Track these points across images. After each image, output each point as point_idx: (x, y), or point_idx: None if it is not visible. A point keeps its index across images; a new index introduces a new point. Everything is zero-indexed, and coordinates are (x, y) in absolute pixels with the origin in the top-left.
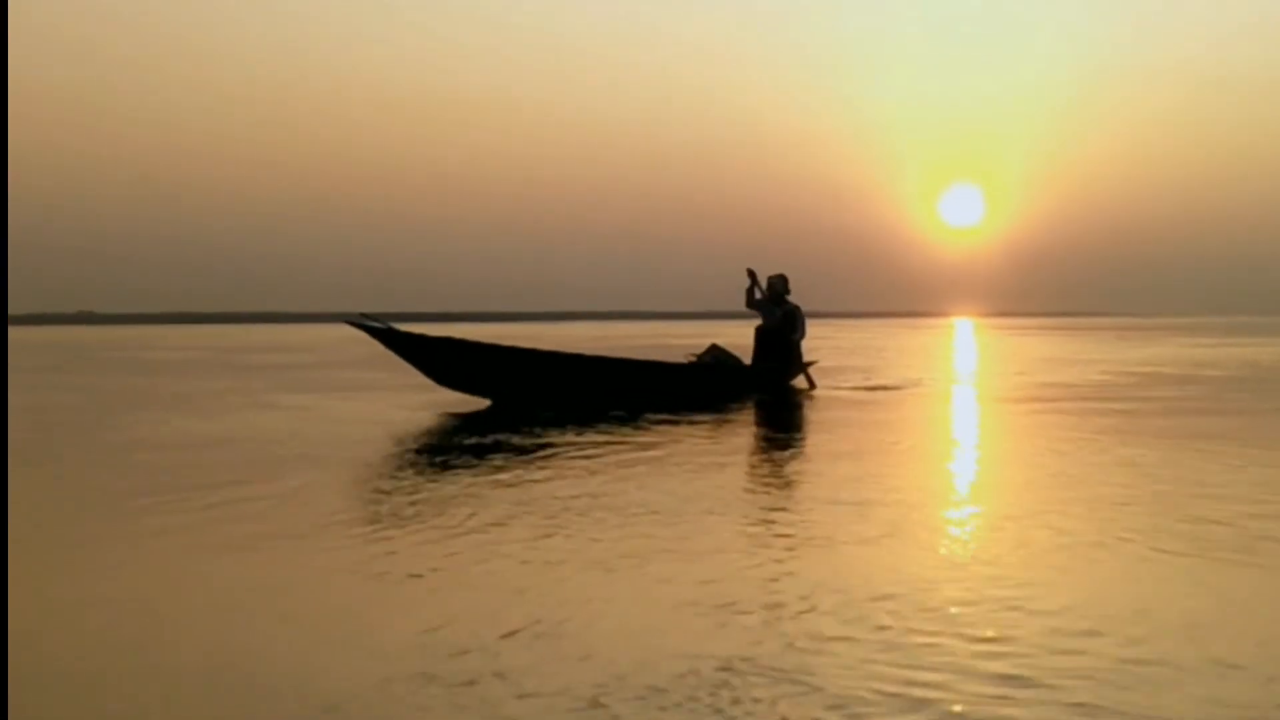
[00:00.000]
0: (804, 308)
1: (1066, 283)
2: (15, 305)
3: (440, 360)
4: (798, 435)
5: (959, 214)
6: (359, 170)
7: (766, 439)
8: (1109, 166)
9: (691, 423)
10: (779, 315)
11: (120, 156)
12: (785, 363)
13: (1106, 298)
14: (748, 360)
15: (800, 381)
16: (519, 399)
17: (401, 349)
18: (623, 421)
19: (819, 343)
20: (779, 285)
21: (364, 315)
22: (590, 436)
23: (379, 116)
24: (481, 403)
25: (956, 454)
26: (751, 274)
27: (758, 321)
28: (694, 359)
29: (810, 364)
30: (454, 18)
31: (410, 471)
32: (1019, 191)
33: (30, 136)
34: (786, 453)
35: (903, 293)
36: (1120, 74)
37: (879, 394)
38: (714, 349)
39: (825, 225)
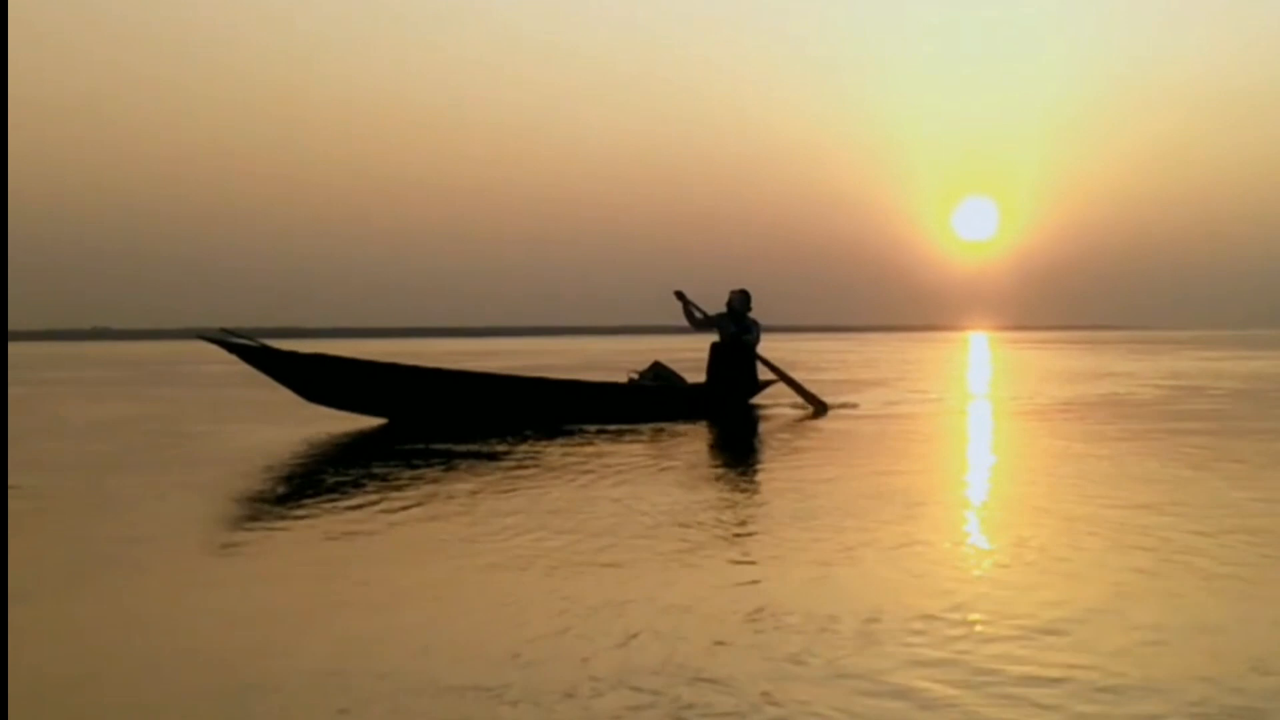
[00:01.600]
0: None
1: (1079, 296)
2: (30, 321)
3: (312, 377)
4: (749, 454)
5: (972, 228)
6: (377, 185)
7: (719, 458)
8: (1122, 180)
9: (643, 439)
10: (734, 331)
11: (132, 171)
12: (745, 381)
13: (1119, 311)
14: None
15: (799, 403)
16: (410, 418)
17: (270, 367)
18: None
19: (831, 357)
20: (738, 303)
21: (226, 331)
22: (542, 450)
23: (396, 132)
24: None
25: (976, 473)
26: (680, 295)
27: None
28: (636, 376)
29: (767, 383)
30: (462, 32)
31: (355, 484)
32: (1032, 205)
33: (42, 150)
34: (743, 471)
35: (916, 307)
36: (1133, 88)
37: (892, 410)
38: (656, 366)
39: (838, 239)
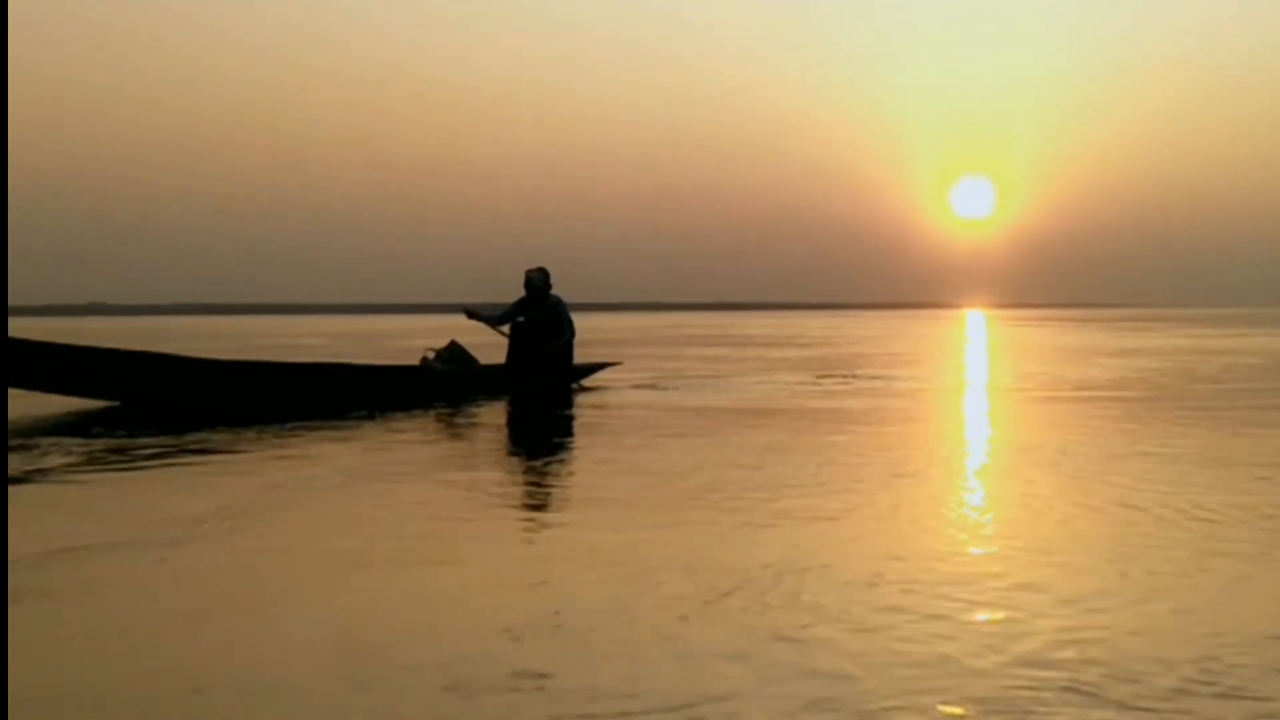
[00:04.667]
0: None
1: (1075, 274)
2: (28, 298)
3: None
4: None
5: (969, 206)
6: (373, 162)
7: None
8: (1117, 158)
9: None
10: (539, 315)
11: (131, 148)
12: (555, 364)
13: (1114, 289)
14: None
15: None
16: (136, 403)
17: None
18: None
19: (817, 333)
20: (539, 280)
21: None
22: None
23: (394, 107)
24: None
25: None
26: (471, 314)
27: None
28: (431, 355)
29: (608, 365)
30: (465, 6)
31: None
32: (1028, 183)
33: (42, 127)
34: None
35: (913, 284)
36: (1128, 65)
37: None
38: (452, 346)
39: (837, 216)
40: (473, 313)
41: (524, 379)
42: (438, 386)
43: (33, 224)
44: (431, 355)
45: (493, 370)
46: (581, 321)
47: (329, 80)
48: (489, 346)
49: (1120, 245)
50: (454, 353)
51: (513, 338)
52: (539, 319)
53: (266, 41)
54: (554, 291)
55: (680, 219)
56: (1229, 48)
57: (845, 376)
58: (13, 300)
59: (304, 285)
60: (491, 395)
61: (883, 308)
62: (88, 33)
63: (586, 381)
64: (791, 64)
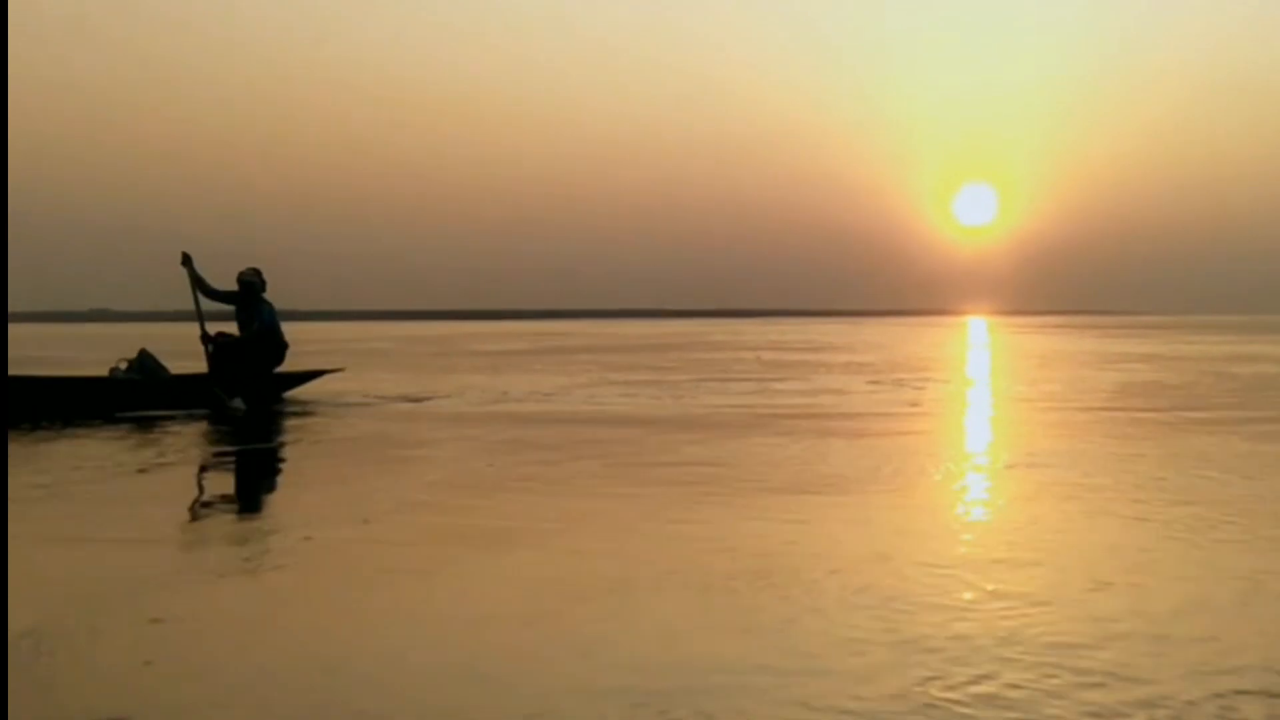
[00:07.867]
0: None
1: (1078, 281)
2: (30, 303)
3: None
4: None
5: (972, 213)
6: (375, 167)
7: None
8: (1120, 165)
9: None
10: (249, 326)
11: (133, 152)
12: (257, 374)
13: (1117, 295)
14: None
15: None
16: None
17: None
18: None
19: (819, 338)
20: (256, 278)
21: None
22: None
23: (395, 113)
24: None
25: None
26: (188, 260)
27: None
28: (124, 366)
29: (325, 372)
30: (469, 11)
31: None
32: (1031, 190)
33: (43, 131)
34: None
35: (916, 291)
36: (1130, 71)
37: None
38: (142, 355)
39: (840, 223)
40: (189, 258)
41: (224, 391)
42: (120, 397)
43: (33, 228)
44: (124, 366)
45: (184, 380)
46: (583, 327)
47: (335, 85)
48: (182, 354)
49: (1123, 251)
50: (144, 362)
51: (217, 353)
52: (248, 339)
53: (268, 45)
54: (267, 296)
55: (681, 225)
56: (1234, 54)
57: (907, 381)
58: (12, 306)
59: (308, 291)
60: (183, 405)
61: (885, 315)
62: (89, 35)
63: (306, 388)
64: (795, 70)
